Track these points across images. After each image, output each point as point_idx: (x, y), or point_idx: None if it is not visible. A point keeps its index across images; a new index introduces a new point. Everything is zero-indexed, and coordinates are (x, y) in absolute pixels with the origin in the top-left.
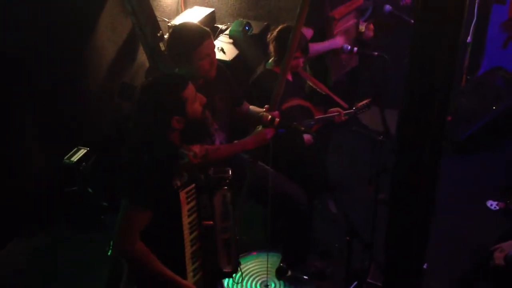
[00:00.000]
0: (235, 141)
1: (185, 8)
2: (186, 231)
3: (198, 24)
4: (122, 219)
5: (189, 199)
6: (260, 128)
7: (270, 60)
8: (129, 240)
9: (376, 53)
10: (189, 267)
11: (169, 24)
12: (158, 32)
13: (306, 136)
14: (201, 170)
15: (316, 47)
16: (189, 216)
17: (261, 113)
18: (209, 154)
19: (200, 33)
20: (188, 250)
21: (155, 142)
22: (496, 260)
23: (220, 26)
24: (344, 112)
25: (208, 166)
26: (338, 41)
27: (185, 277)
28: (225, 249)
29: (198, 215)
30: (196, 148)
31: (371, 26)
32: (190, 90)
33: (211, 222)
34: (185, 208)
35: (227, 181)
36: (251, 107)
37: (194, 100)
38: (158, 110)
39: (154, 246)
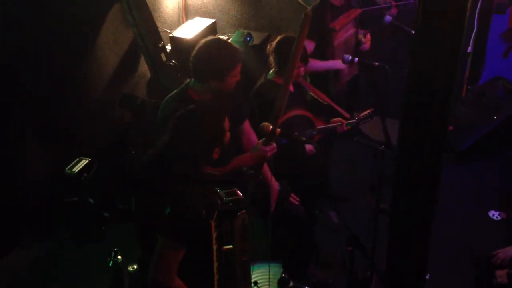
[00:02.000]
0: (235, 157)
1: (187, 19)
2: (215, 260)
3: (228, 42)
4: (161, 254)
5: (215, 228)
6: (260, 144)
7: (271, 71)
8: (168, 275)
9: (376, 63)
10: None
11: (171, 34)
12: (160, 42)
13: (308, 147)
14: (212, 193)
15: (318, 65)
16: (215, 243)
17: (262, 124)
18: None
19: (238, 52)
20: (216, 278)
21: (192, 176)
22: (498, 279)
23: (221, 36)
24: (346, 122)
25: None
26: (339, 65)
27: None
28: (243, 270)
29: (220, 242)
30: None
31: (369, 37)
32: (227, 120)
33: (231, 246)
34: (214, 236)
35: (244, 204)
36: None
37: (227, 128)
38: (202, 142)
39: (186, 277)
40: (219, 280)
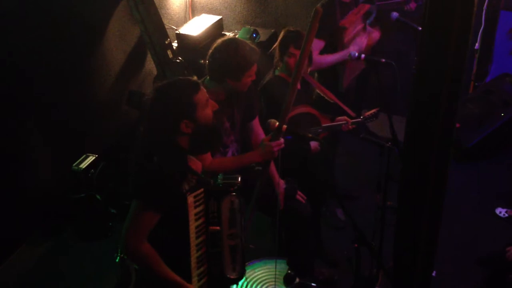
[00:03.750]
0: (242, 154)
1: (193, 15)
2: (192, 235)
3: (246, 42)
4: (130, 218)
5: (197, 203)
6: (267, 140)
7: (279, 67)
8: (136, 240)
9: (383, 60)
10: (194, 272)
11: (177, 31)
12: (166, 39)
13: (313, 144)
14: (210, 175)
15: (329, 59)
16: (196, 220)
17: (268, 120)
18: (214, 166)
19: (255, 52)
20: (194, 254)
21: (164, 144)
22: None
23: (227, 33)
24: (352, 121)
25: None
26: (350, 51)
27: (190, 281)
28: (231, 255)
29: (206, 220)
30: (206, 159)
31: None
32: (202, 95)
33: (218, 228)
34: (192, 212)
35: (236, 187)
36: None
37: (206, 106)
38: (168, 113)
39: (160, 249)
40: (201, 258)
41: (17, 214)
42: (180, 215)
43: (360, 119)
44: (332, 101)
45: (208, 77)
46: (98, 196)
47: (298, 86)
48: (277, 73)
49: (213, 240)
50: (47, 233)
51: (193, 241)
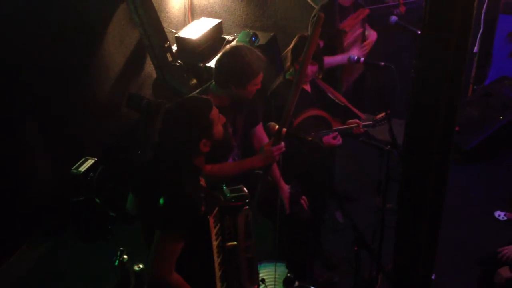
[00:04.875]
0: (242, 160)
1: (192, 19)
2: (215, 255)
3: (256, 51)
4: (157, 250)
5: (215, 223)
6: (268, 145)
7: (290, 71)
8: (166, 270)
9: (382, 63)
10: None
11: (177, 35)
12: (166, 43)
13: (328, 140)
14: (216, 190)
15: (328, 61)
16: (216, 240)
17: (268, 123)
18: (215, 172)
19: (262, 61)
20: (217, 274)
21: (184, 168)
22: (503, 274)
23: (227, 37)
24: (363, 123)
25: (221, 185)
26: (351, 55)
27: None
28: (249, 268)
29: (223, 238)
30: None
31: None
32: (215, 111)
33: (235, 243)
34: (213, 233)
35: (247, 200)
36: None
37: (218, 122)
38: (187, 134)
39: (185, 273)
40: (222, 277)
41: (17, 216)
42: (202, 237)
43: (371, 122)
44: (342, 104)
45: (213, 82)
46: (97, 199)
47: (309, 89)
48: (287, 76)
49: (231, 256)
50: (46, 235)
51: (216, 260)
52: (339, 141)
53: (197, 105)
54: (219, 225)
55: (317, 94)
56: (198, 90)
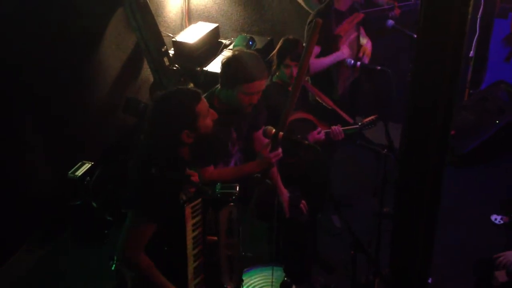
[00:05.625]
0: (242, 165)
1: (189, 23)
2: (189, 246)
3: (262, 60)
4: (127, 229)
5: (194, 214)
6: (265, 151)
7: (277, 73)
8: (133, 251)
9: (378, 67)
10: (191, 282)
11: (174, 39)
12: (163, 47)
13: (316, 135)
14: (208, 184)
15: (323, 61)
16: (193, 230)
17: (265, 127)
18: (214, 177)
19: (256, 71)
20: (191, 264)
21: (164, 155)
22: (499, 279)
23: (224, 41)
24: (349, 127)
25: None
26: (343, 53)
27: None
28: (229, 265)
29: (203, 230)
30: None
31: (368, 51)
32: (203, 105)
33: (216, 238)
34: (189, 223)
35: (234, 197)
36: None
37: (207, 115)
38: (169, 123)
39: (157, 259)
40: (198, 269)
41: (16, 217)
42: (177, 225)
43: (357, 126)
44: (330, 107)
45: (219, 86)
46: (94, 203)
47: None
48: (274, 79)
49: (211, 250)
50: (42, 239)
51: (190, 251)
52: (322, 135)
53: (183, 95)
54: (200, 216)
55: (304, 97)
56: (204, 95)
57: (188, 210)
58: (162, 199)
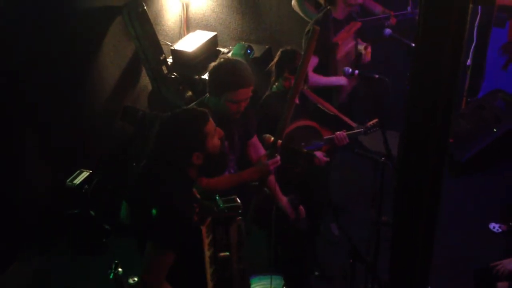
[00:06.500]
0: (238, 173)
1: (188, 32)
2: (207, 265)
3: (248, 68)
4: (150, 261)
5: (207, 233)
6: (263, 158)
7: (276, 84)
8: (158, 282)
9: (376, 76)
10: None
11: (172, 47)
12: (161, 55)
13: (318, 155)
14: (210, 200)
15: (320, 80)
16: (208, 249)
17: (263, 135)
18: (211, 186)
19: (241, 79)
20: (210, 285)
21: (176, 179)
22: None
23: (222, 49)
24: (353, 132)
25: (214, 196)
26: (342, 81)
27: None
28: (241, 279)
29: (215, 248)
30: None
31: (369, 49)
32: (211, 124)
33: (228, 253)
34: (206, 243)
35: (240, 211)
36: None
37: (214, 135)
38: (178, 147)
39: (177, 283)
40: (216, 287)
41: (10, 229)
42: (194, 247)
43: (361, 130)
44: (332, 113)
45: (208, 95)
46: (92, 212)
47: (297, 101)
48: (274, 89)
49: (223, 266)
50: (39, 249)
51: (208, 271)
52: (326, 158)
53: (192, 117)
54: (211, 235)
55: (305, 105)
56: (194, 103)
57: (204, 230)
58: (180, 227)
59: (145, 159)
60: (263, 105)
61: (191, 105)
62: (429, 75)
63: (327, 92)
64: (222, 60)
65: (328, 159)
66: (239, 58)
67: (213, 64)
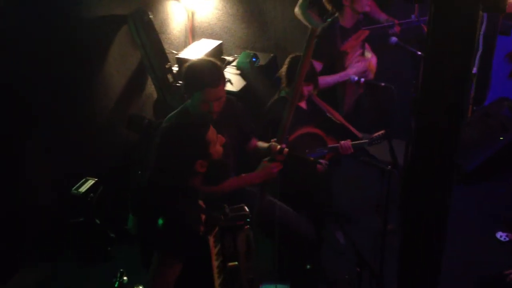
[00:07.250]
0: (242, 175)
1: (193, 40)
2: (215, 275)
3: (216, 68)
4: (157, 271)
5: (215, 243)
6: (266, 162)
7: (285, 90)
8: None
9: (382, 84)
10: None
11: (177, 56)
12: (166, 64)
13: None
14: (216, 209)
15: (328, 80)
16: (216, 260)
17: (269, 144)
18: (213, 191)
19: (207, 78)
20: None
21: (180, 189)
22: None
23: (227, 58)
24: (358, 142)
25: (221, 205)
26: (348, 73)
27: None
28: None
29: (223, 258)
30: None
31: (372, 66)
32: (212, 132)
33: (236, 263)
34: (213, 252)
35: (248, 220)
36: (259, 142)
37: (216, 141)
38: (181, 156)
39: None
40: None
41: (15, 237)
42: (202, 258)
43: (366, 141)
44: (338, 122)
45: (189, 101)
46: (97, 220)
47: (305, 106)
48: (282, 94)
49: (232, 277)
50: (45, 257)
51: (217, 281)
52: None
53: (191, 126)
54: (219, 245)
55: (313, 111)
56: (179, 108)
57: (211, 239)
58: (186, 237)
59: (149, 170)
60: (270, 110)
61: (175, 111)
62: (438, 83)
63: (333, 101)
64: (191, 61)
65: (327, 162)
66: (211, 58)
67: (185, 65)
